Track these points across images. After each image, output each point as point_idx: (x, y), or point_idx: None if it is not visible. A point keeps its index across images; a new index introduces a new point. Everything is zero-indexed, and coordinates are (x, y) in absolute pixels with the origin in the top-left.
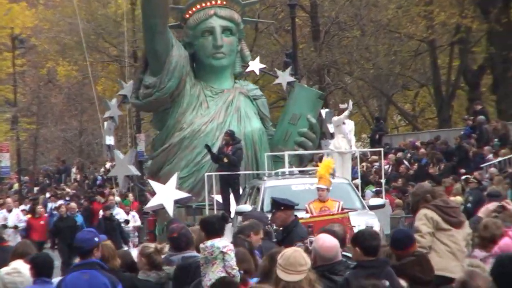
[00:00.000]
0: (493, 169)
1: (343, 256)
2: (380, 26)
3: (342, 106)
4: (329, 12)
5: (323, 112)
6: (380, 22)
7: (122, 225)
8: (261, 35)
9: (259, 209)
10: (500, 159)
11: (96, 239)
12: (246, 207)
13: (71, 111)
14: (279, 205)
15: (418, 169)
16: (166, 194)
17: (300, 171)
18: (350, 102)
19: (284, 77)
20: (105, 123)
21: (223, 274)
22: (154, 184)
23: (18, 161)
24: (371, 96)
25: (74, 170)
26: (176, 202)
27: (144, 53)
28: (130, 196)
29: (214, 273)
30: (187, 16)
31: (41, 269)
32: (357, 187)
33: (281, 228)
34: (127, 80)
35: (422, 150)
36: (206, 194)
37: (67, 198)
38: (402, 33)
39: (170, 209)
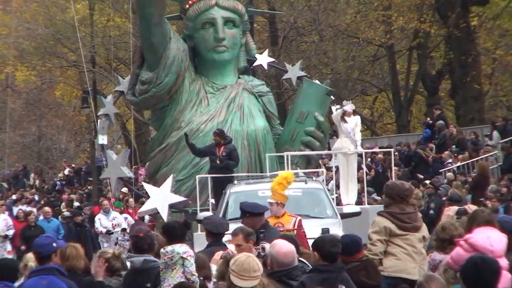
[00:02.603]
0: (449, 174)
1: (300, 261)
2: (338, 31)
3: (345, 103)
4: (288, 17)
5: (334, 109)
6: (339, 27)
7: (120, 234)
8: None
9: (221, 215)
10: (459, 164)
11: (55, 244)
12: (207, 214)
13: (30, 116)
14: (244, 212)
15: (376, 175)
16: (160, 198)
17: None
18: (348, 103)
19: (294, 71)
20: (99, 121)
21: (183, 280)
22: (147, 187)
23: None
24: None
25: (32, 175)
26: (171, 206)
27: (140, 46)
28: (131, 201)
29: (173, 278)
30: (187, 6)
31: (3, 273)
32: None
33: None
34: (85, 85)
35: (380, 155)
36: (198, 198)
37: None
38: (361, 38)
39: (164, 214)
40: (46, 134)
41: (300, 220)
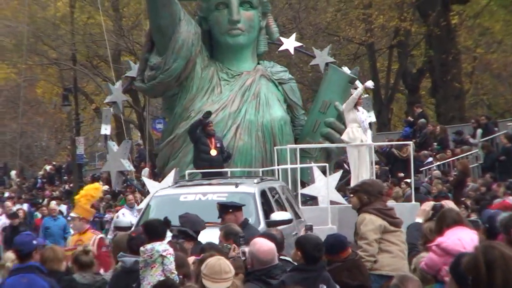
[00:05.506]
0: (436, 172)
1: (281, 260)
2: (319, 29)
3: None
4: None
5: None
6: (319, 25)
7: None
8: None
9: (139, 219)
10: (439, 163)
11: (35, 242)
12: (124, 221)
13: (11, 113)
14: (227, 207)
15: None
16: None
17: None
18: (370, 82)
19: (322, 57)
20: (103, 109)
21: (162, 278)
22: (147, 182)
23: None
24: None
25: (13, 173)
26: None
27: (149, 29)
28: (138, 195)
29: (153, 277)
30: None
31: None
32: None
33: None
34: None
35: None
36: None
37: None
38: (341, 36)
39: None
40: (26, 131)
41: (100, 238)
